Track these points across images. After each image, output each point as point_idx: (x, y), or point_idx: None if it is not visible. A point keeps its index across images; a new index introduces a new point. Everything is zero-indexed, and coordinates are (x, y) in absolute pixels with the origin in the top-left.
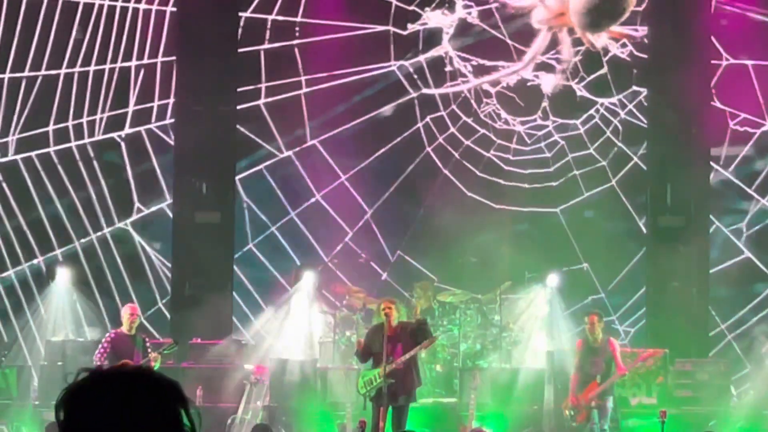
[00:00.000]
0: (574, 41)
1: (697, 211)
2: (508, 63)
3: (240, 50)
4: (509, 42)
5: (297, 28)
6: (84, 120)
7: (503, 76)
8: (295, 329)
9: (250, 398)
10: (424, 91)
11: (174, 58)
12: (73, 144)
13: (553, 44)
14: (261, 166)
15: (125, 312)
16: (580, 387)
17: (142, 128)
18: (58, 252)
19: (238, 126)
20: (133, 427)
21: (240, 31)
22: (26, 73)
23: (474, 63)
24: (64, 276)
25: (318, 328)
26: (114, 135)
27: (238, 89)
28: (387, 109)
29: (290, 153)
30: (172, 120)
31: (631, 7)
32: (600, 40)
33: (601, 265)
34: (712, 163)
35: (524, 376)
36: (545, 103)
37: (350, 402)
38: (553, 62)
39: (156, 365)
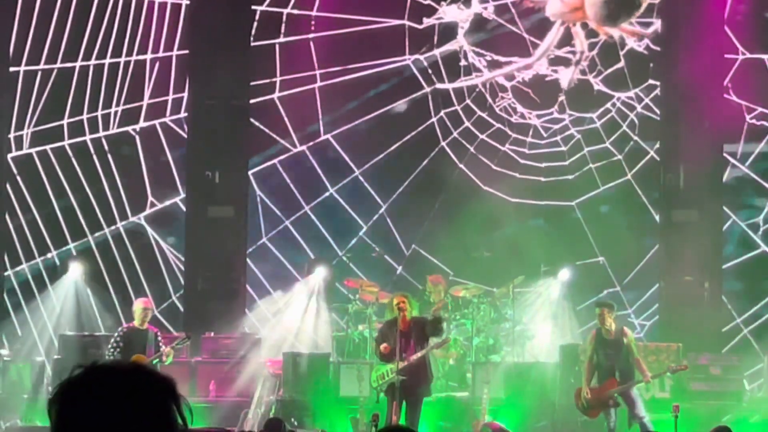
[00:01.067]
0: (588, 34)
1: (710, 205)
2: (522, 58)
3: (254, 44)
4: (526, 36)
5: (312, 22)
6: (99, 113)
7: (516, 69)
8: (300, 321)
9: (264, 392)
10: (438, 86)
11: (187, 51)
12: (87, 137)
13: (567, 39)
14: (275, 161)
15: (137, 306)
16: (597, 380)
17: (156, 122)
18: (71, 246)
19: (251, 120)
20: (126, 422)
21: (255, 24)
22: (41, 66)
23: (489, 58)
24: (77, 270)
25: (324, 322)
26: (129, 129)
27: (252, 83)
28: (401, 104)
29: (304, 147)
30: (186, 114)
31: (647, 0)
32: (615, 31)
33: (617, 259)
34: (727, 156)
35: (537, 370)
36: (562, 97)
37: (363, 396)
38: (570, 56)
39: (169, 360)
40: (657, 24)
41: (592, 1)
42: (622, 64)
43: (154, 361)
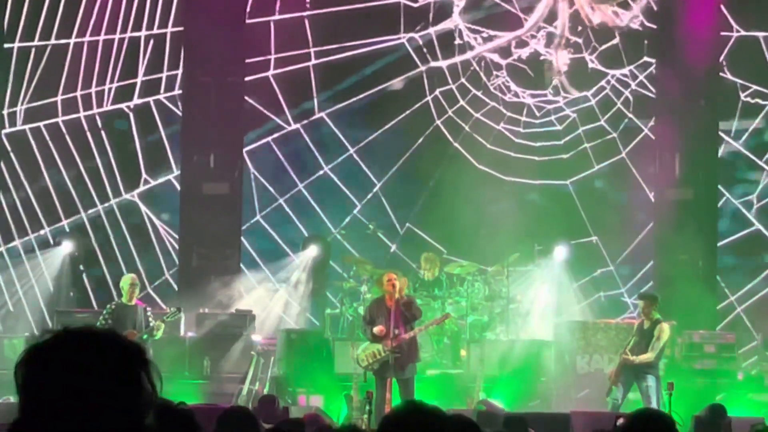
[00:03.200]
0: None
1: (705, 183)
2: (510, 32)
3: (249, 21)
4: (521, 15)
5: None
6: (93, 90)
7: (505, 42)
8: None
9: (257, 369)
10: (432, 64)
11: (182, 28)
12: (81, 114)
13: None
14: (269, 138)
15: (125, 282)
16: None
17: (150, 99)
18: (64, 223)
19: (245, 97)
20: (93, 387)
21: (250, 2)
22: (35, 43)
23: (484, 35)
24: (70, 247)
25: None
26: (123, 105)
27: (247, 60)
28: (396, 83)
29: (298, 126)
30: (180, 91)
31: None
32: (596, 16)
33: (611, 238)
34: (723, 134)
35: (531, 348)
36: (556, 80)
37: (357, 373)
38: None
39: (158, 334)
40: (638, 15)
41: None
42: (616, 41)
43: (144, 336)
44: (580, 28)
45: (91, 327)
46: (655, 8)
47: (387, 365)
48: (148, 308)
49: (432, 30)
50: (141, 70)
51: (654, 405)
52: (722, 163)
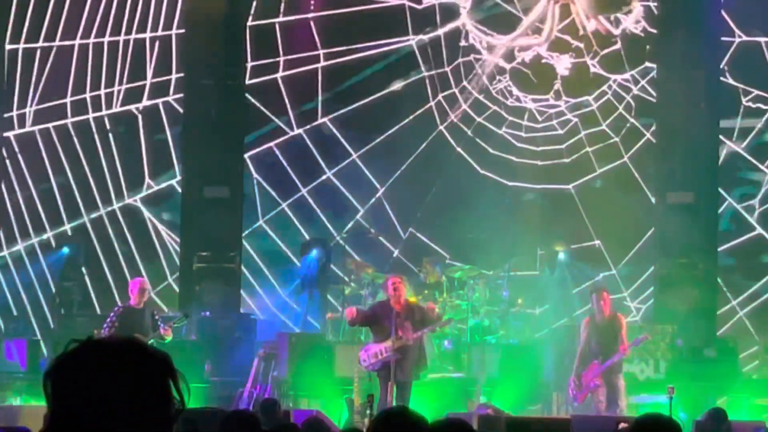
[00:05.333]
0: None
1: (706, 187)
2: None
3: (251, 23)
4: (522, 17)
5: (312, 1)
6: (102, 92)
7: (502, 45)
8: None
9: (259, 372)
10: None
11: (183, 31)
12: (90, 116)
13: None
14: (272, 144)
15: (134, 286)
16: (581, 366)
17: (159, 101)
18: (67, 227)
19: (247, 95)
20: (122, 397)
21: (254, 4)
22: (40, 44)
23: (492, 37)
24: (73, 250)
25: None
26: (131, 107)
27: (250, 64)
28: (398, 86)
29: (301, 131)
30: (181, 94)
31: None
32: (591, 24)
33: (613, 242)
34: (724, 139)
35: (532, 351)
36: (557, 84)
37: (358, 377)
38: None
39: (168, 339)
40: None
41: None
42: (618, 46)
43: (151, 341)
44: (581, 32)
45: (117, 336)
46: (656, 12)
47: (388, 367)
48: (156, 313)
49: (441, 31)
50: (149, 72)
51: (624, 405)
52: (723, 165)
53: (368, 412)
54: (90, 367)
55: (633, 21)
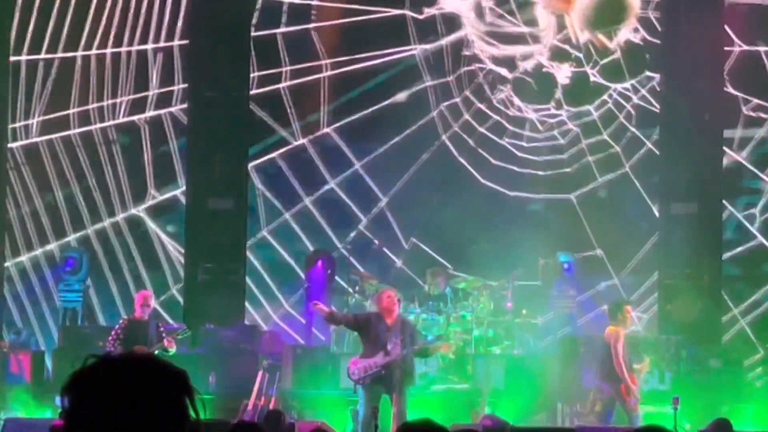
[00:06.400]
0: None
1: (709, 197)
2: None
3: (254, 34)
4: (523, 28)
5: (314, 12)
6: (106, 103)
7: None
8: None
9: (263, 384)
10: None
11: (187, 42)
12: (93, 127)
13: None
14: (275, 154)
15: (139, 298)
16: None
17: (162, 111)
18: (70, 238)
19: (251, 106)
20: (140, 414)
21: (257, 14)
22: (43, 55)
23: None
24: (77, 261)
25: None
26: (135, 118)
27: (253, 74)
28: (401, 96)
29: (304, 141)
30: (185, 105)
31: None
32: (583, 36)
33: (615, 251)
34: (726, 149)
35: (537, 362)
36: (558, 94)
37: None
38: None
39: (172, 351)
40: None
41: (582, 5)
42: (618, 55)
43: (155, 353)
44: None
45: (134, 353)
46: (655, 22)
47: (379, 380)
48: (161, 325)
49: (445, 41)
50: (153, 83)
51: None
52: (726, 175)
53: (373, 423)
54: (109, 383)
55: (629, 32)
